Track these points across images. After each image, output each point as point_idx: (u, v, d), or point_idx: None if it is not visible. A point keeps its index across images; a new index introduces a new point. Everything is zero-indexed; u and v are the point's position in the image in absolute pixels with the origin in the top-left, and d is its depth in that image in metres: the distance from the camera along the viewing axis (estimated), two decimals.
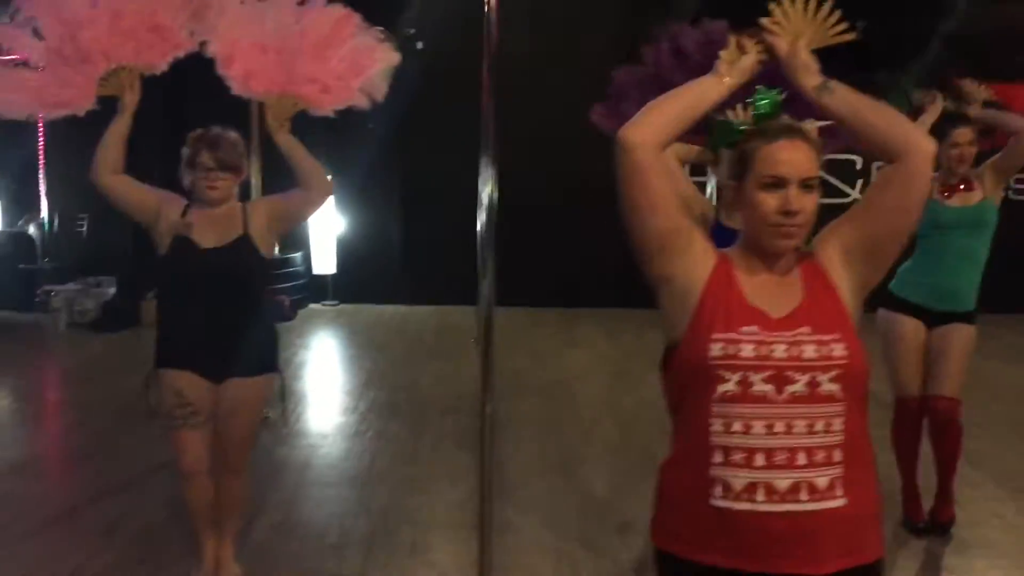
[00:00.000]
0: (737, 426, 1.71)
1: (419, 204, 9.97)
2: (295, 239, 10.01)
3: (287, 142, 3.40)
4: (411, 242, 10.23)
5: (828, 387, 1.70)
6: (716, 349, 1.72)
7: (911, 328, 4.01)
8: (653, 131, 1.77)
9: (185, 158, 3.39)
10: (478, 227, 3.62)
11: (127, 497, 4.53)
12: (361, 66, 3.52)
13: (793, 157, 1.76)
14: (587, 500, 4.57)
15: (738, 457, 1.71)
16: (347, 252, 10.21)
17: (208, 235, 3.34)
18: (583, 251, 9.87)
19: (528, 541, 4.03)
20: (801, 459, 1.70)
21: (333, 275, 10.22)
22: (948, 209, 3.94)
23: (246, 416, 3.46)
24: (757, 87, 1.87)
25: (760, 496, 1.70)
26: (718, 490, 1.73)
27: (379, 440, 5.50)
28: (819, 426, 1.70)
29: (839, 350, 1.72)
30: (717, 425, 1.73)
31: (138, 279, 9.24)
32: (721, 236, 3.33)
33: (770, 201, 1.76)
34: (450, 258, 9.87)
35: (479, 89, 8.74)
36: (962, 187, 3.95)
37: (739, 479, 1.72)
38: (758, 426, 1.70)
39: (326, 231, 9.98)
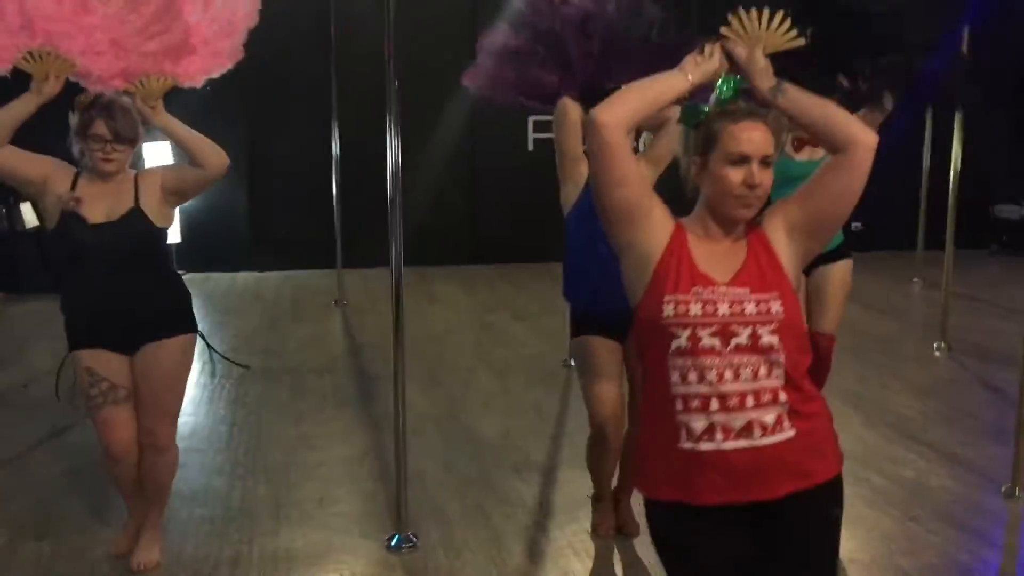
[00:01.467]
0: (692, 376, 1.95)
1: (265, 169, 9.77)
2: None
3: (165, 123, 3.26)
4: (258, 209, 10.02)
5: (768, 339, 1.95)
6: (668, 309, 1.96)
7: None
8: (623, 114, 1.98)
9: (75, 126, 3.23)
10: (388, 192, 3.70)
11: (9, 477, 4.38)
12: (232, 26, 3.33)
13: (755, 136, 1.99)
14: (480, 445, 4.79)
15: (695, 403, 1.96)
16: (191, 220, 9.90)
17: (97, 209, 3.24)
18: (433, 210, 9.99)
19: (432, 485, 4.21)
20: (750, 401, 1.96)
21: (177, 244, 9.88)
22: (797, 163, 4.16)
23: (166, 382, 3.36)
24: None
25: (719, 435, 1.95)
26: (683, 434, 1.97)
27: (262, 403, 5.50)
28: (763, 371, 1.96)
29: (776, 307, 1.97)
30: (675, 376, 1.97)
31: None
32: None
33: (735, 175, 1.99)
34: (299, 223, 9.78)
35: (326, 50, 8.66)
36: (811, 142, 4.18)
37: (698, 423, 1.96)
38: (710, 375, 1.94)
39: None
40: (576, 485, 4.13)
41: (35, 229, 8.82)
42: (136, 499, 3.56)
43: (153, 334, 3.32)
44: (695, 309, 1.95)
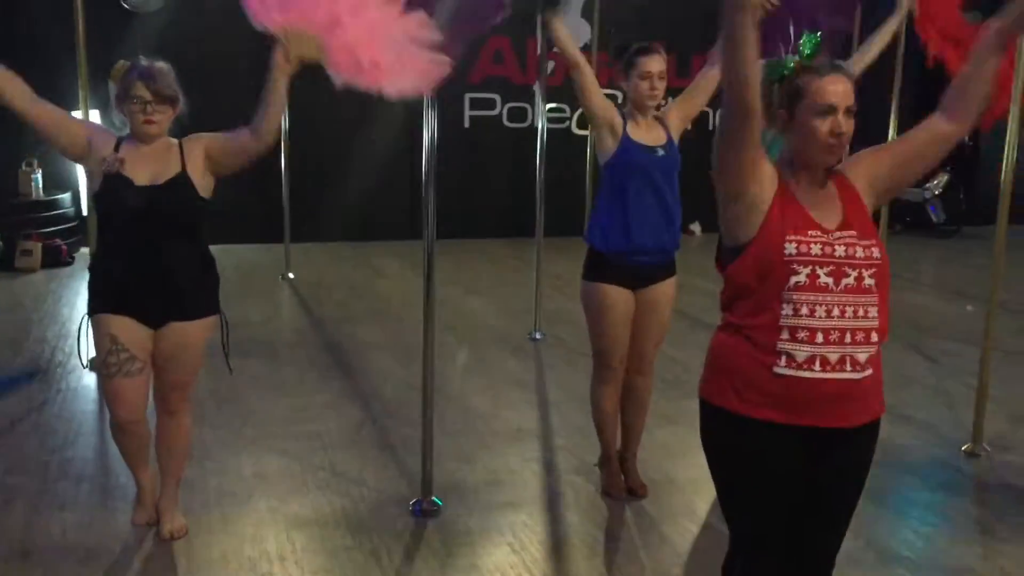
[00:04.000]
0: (804, 310, 2.16)
1: None
2: (61, 179, 9.35)
3: (283, 86, 3.19)
4: None
5: (868, 281, 2.20)
6: (790, 248, 2.16)
7: None
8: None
9: (116, 92, 3.25)
10: (423, 168, 3.81)
11: (8, 448, 4.32)
12: (404, 63, 3.22)
13: (840, 89, 2.19)
14: (472, 415, 4.96)
15: (803, 335, 2.18)
16: None
17: (142, 172, 3.24)
18: (370, 186, 10.02)
19: (438, 453, 4.31)
20: (848, 338, 2.21)
21: None
22: None
23: (187, 361, 3.41)
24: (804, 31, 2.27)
25: (817, 366, 2.19)
26: (782, 360, 2.20)
27: (240, 377, 5.49)
28: (861, 312, 2.21)
29: (876, 252, 2.22)
30: (788, 309, 2.17)
31: None
32: (629, 147, 3.67)
33: (823, 126, 2.18)
34: (239, 197, 9.62)
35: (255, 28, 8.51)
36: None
37: (802, 352, 2.19)
38: (820, 310, 2.17)
39: None
40: (576, 451, 4.36)
41: None
42: (144, 470, 3.60)
43: (182, 312, 3.33)
44: (816, 249, 2.16)
